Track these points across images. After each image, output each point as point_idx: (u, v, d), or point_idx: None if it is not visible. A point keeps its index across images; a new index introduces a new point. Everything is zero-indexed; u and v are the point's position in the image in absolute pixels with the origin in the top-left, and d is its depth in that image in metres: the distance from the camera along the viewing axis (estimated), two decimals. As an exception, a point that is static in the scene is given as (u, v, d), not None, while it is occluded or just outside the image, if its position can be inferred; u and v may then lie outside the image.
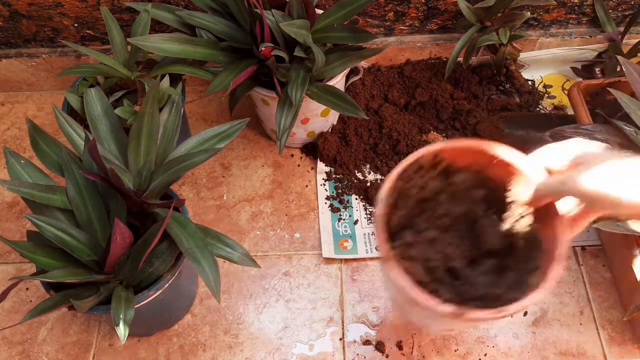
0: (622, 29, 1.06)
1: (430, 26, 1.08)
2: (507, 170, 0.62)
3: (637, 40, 1.02)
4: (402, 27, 1.08)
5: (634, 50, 1.01)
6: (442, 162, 0.64)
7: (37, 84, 1.18)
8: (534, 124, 1.03)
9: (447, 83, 1.08)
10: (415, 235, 0.64)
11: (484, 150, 0.62)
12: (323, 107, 0.94)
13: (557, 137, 0.99)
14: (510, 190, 0.63)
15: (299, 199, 1.00)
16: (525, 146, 1.10)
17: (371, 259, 0.92)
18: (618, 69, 1.02)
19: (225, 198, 1.01)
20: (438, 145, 0.61)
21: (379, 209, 0.60)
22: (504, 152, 0.61)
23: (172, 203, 0.70)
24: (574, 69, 1.13)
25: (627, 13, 1.06)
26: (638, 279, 0.76)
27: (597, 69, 1.10)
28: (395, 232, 0.64)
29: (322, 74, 0.90)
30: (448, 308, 0.53)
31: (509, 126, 1.02)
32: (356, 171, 1.02)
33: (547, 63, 1.13)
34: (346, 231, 0.96)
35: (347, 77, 1.06)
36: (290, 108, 0.85)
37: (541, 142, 1.06)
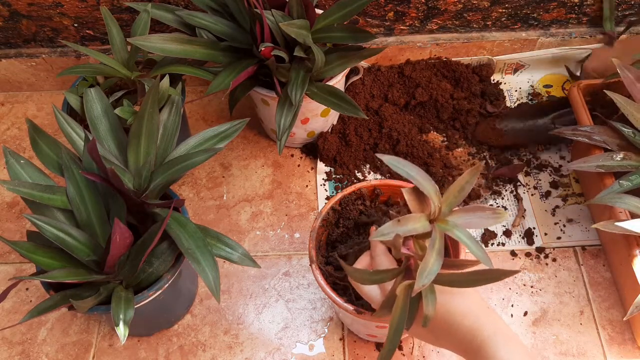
0: (621, 28, 1.06)
1: (431, 26, 1.08)
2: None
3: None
4: (402, 27, 1.08)
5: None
6: (381, 195, 0.79)
7: (37, 84, 1.18)
8: (529, 114, 1.02)
9: (447, 83, 1.08)
10: (348, 249, 0.78)
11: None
12: (323, 107, 0.94)
13: (558, 122, 0.99)
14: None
15: (299, 199, 1.00)
16: (530, 136, 1.08)
17: (371, 259, 0.92)
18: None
19: (225, 198, 1.01)
20: (376, 181, 0.78)
21: (315, 222, 0.75)
22: None
23: (172, 203, 0.70)
24: (570, 72, 1.13)
25: (627, 13, 1.06)
26: (638, 279, 0.76)
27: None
28: (333, 244, 0.80)
29: (322, 74, 0.90)
30: (349, 307, 0.66)
31: (505, 124, 1.02)
32: (356, 171, 1.02)
33: (547, 63, 1.13)
34: (346, 231, 0.96)
35: (347, 77, 1.06)
36: (290, 108, 0.85)
37: (545, 128, 1.04)
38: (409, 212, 0.79)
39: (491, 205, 0.97)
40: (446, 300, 0.50)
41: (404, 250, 0.51)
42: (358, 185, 0.78)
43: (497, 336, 0.49)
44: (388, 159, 0.46)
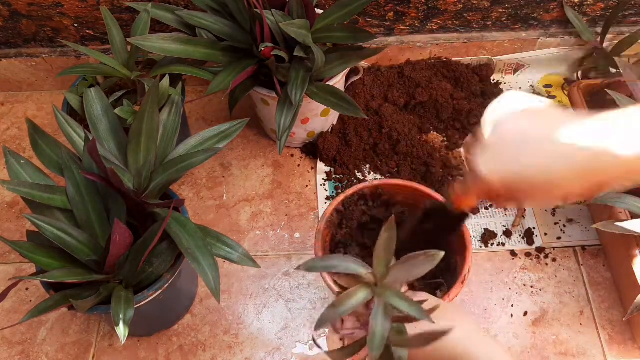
0: (598, 29, 1.07)
1: (431, 26, 1.08)
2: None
3: (619, 40, 1.03)
4: (402, 27, 1.08)
5: (617, 50, 1.02)
6: (382, 195, 0.78)
7: (37, 84, 1.18)
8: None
9: (447, 83, 1.08)
10: (351, 250, 0.78)
11: (416, 188, 0.76)
12: (323, 107, 0.94)
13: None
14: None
15: (299, 199, 1.00)
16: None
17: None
18: (614, 71, 1.03)
19: (225, 198, 1.01)
20: (377, 181, 0.77)
21: (320, 224, 0.74)
22: (430, 190, 0.73)
23: (172, 203, 0.70)
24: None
25: (627, 13, 1.06)
26: (638, 279, 0.76)
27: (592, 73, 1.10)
28: (337, 245, 0.79)
29: (322, 73, 0.90)
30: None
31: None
32: (356, 171, 1.02)
33: (547, 63, 1.13)
34: (346, 231, 0.96)
35: (347, 77, 1.06)
36: (290, 108, 0.85)
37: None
38: (410, 213, 0.79)
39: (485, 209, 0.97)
40: None
41: (348, 330, 0.50)
42: (360, 185, 0.78)
43: None
44: (305, 267, 0.44)
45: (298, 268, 0.42)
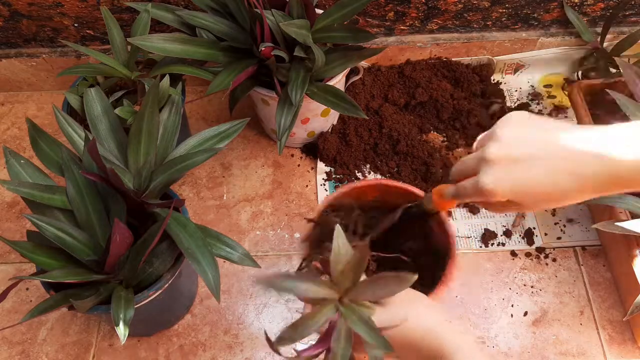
0: (598, 29, 1.07)
1: (431, 26, 1.08)
2: (407, 196, 0.70)
3: (618, 40, 1.03)
4: (402, 27, 1.08)
5: (617, 50, 1.02)
6: (350, 203, 0.73)
7: (37, 84, 1.18)
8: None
9: (447, 83, 1.08)
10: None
11: (380, 183, 0.72)
12: (323, 107, 0.94)
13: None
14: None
15: (299, 198, 1.00)
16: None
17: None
18: (614, 71, 1.03)
19: (225, 198, 1.01)
20: (337, 192, 0.70)
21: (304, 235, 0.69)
22: (397, 183, 0.71)
23: (172, 203, 0.70)
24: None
25: (627, 13, 1.06)
26: (638, 279, 0.76)
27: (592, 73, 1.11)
28: (321, 242, 0.73)
29: (322, 73, 0.90)
30: None
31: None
32: (356, 171, 1.02)
33: (547, 63, 1.13)
34: (346, 231, 0.95)
35: (347, 77, 1.06)
36: (290, 108, 0.85)
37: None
38: (383, 213, 0.77)
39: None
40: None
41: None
42: (329, 198, 0.73)
43: (459, 353, 0.47)
44: (261, 283, 0.41)
45: (256, 282, 0.40)
